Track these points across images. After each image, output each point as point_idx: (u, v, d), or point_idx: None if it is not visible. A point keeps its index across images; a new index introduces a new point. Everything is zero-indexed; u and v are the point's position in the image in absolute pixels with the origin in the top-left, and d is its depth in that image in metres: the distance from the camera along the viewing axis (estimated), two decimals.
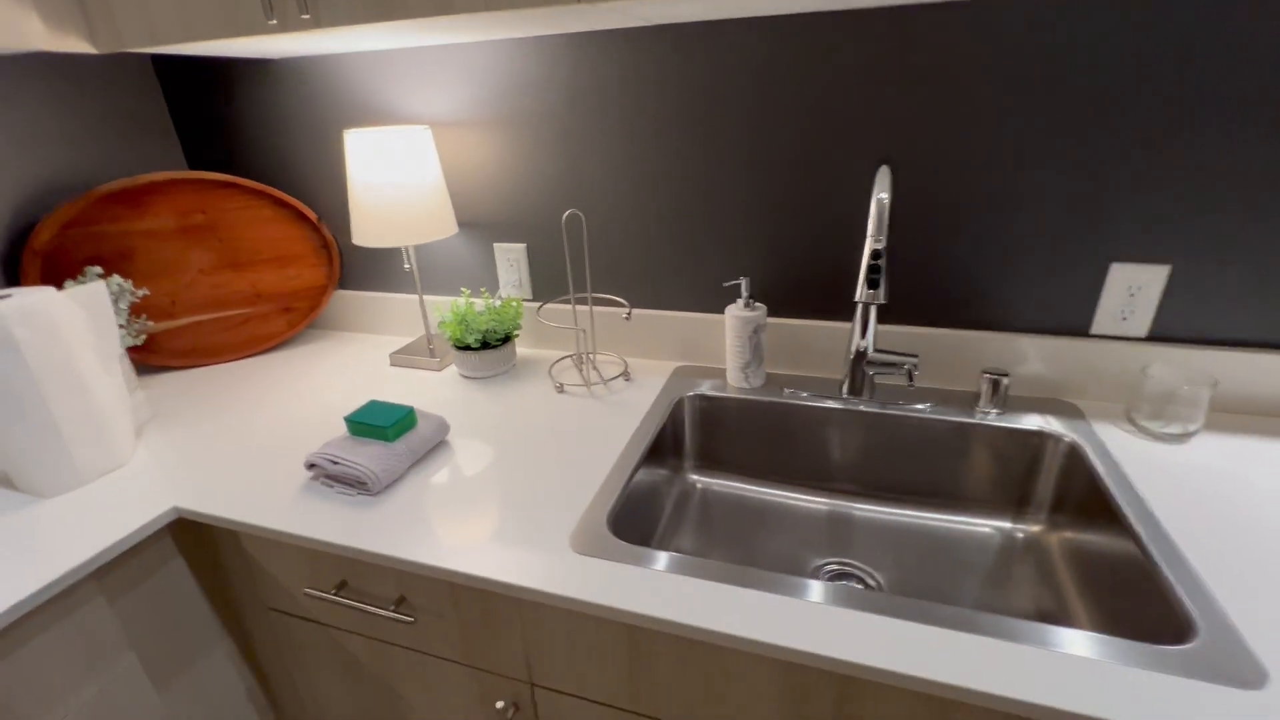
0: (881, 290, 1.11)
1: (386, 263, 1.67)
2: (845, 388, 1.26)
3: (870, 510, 1.27)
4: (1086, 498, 1.04)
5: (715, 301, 1.41)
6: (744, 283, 1.26)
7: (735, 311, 1.28)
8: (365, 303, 1.73)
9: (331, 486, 1.05)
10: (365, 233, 1.37)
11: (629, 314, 1.31)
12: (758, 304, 1.29)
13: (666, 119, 1.28)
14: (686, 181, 1.32)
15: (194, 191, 1.54)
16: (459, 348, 1.42)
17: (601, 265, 1.46)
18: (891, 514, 1.25)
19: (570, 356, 1.52)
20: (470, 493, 1.04)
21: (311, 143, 1.58)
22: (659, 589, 0.82)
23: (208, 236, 1.57)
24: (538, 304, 1.55)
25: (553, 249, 1.49)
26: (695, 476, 1.37)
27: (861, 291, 1.13)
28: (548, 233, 1.48)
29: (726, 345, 1.32)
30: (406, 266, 1.47)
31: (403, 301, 1.68)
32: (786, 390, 1.31)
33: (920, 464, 1.23)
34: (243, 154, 1.66)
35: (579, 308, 1.48)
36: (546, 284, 1.54)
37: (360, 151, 1.31)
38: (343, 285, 1.75)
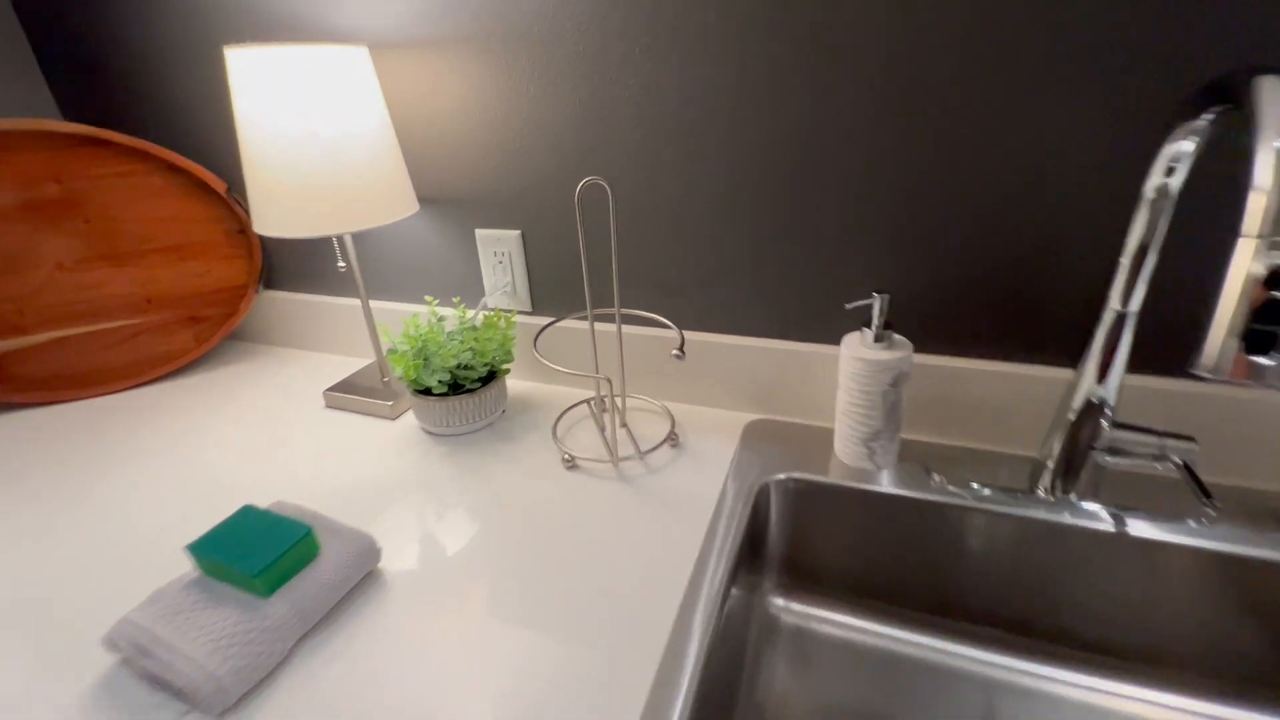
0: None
1: (329, 253, 1.18)
2: (1049, 479, 0.75)
3: (1078, 685, 0.76)
4: None
5: (814, 326, 0.90)
6: (878, 304, 0.75)
7: (861, 350, 0.77)
8: (301, 309, 1.25)
9: (147, 684, 0.58)
10: (267, 214, 0.87)
11: (681, 348, 0.80)
12: (898, 337, 0.78)
13: (750, 28, 0.76)
14: (778, 134, 0.80)
15: (41, 150, 1.06)
16: (418, 392, 0.93)
17: (636, 264, 0.96)
18: (1119, 695, 0.75)
19: (588, 401, 1.03)
20: (415, 698, 0.56)
21: (213, 79, 1.08)
22: None
23: (69, 216, 1.09)
24: (539, 320, 1.05)
25: (561, 238, 0.99)
26: (782, 602, 0.88)
27: (1121, 302, 0.62)
28: (554, 213, 0.97)
29: (839, 402, 0.82)
30: (341, 266, 0.99)
31: (352, 309, 1.20)
32: (937, 479, 0.80)
33: (1191, 624, 0.73)
34: (121, 98, 1.17)
35: (600, 327, 0.98)
36: (552, 290, 1.04)
37: (252, 83, 0.81)
38: (270, 284, 1.27)
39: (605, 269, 0.97)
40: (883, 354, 0.76)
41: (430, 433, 0.97)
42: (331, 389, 1.07)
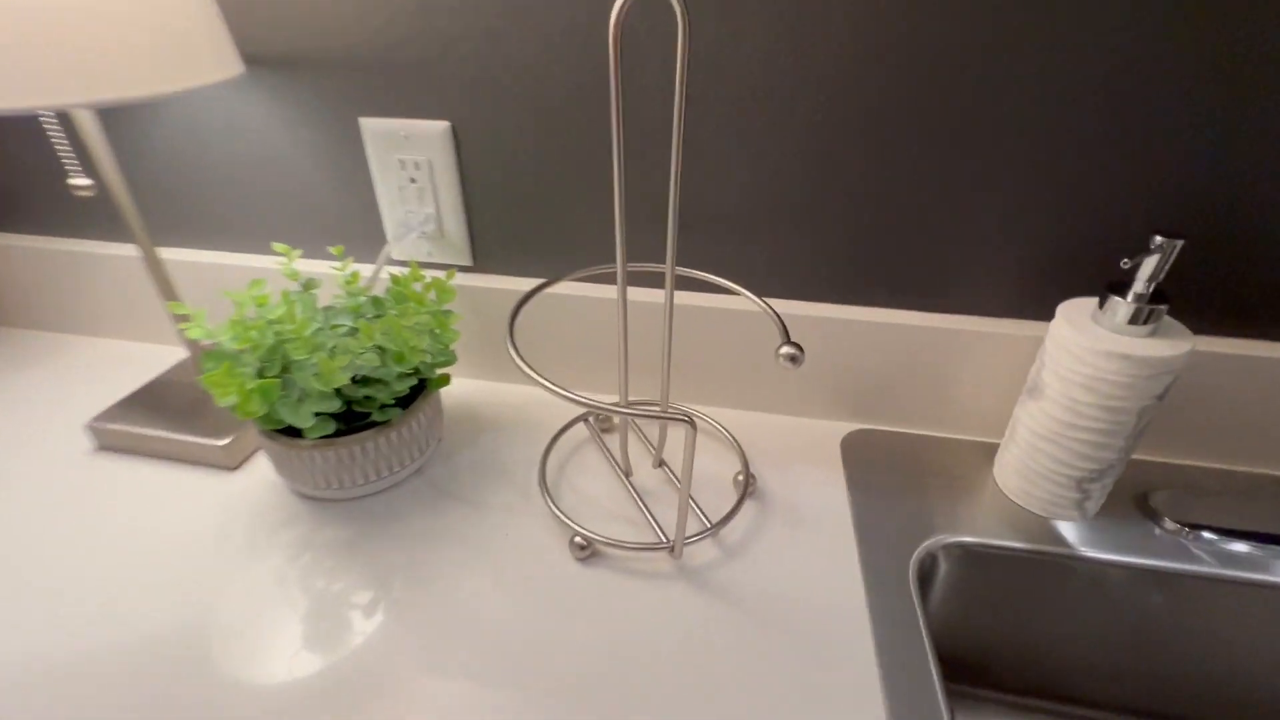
0: None
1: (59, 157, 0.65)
2: None
3: None
4: None
5: (941, 286, 0.56)
6: (1155, 259, 0.42)
7: (1112, 339, 0.44)
8: (33, 263, 0.72)
9: None
10: None
11: (791, 346, 0.43)
12: (1170, 319, 0.45)
13: None
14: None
15: None
16: (267, 432, 0.49)
17: (657, 187, 0.55)
18: None
19: (585, 418, 0.63)
20: None
21: None
22: None
23: None
24: (490, 282, 0.63)
25: (533, 131, 0.56)
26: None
27: None
28: (518, 86, 0.53)
29: (1028, 415, 0.49)
30: (81, 184, 0.50)
31: (127, 264, 0.69)
32: (1171, 525, 0.51)
33: None
34: None
35: (640, 295, 0.58)
36: (514, 229, 0.61)
37: None
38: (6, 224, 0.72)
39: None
40: (1157, 347, 0.43)
41: (306, 495, 0.54)
42: (103, 416, 0.58)
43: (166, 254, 0.68)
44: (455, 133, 0.56)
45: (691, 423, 0.38)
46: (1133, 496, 0.54)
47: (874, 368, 0.59)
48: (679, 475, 0.54)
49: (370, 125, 0.57)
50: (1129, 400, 0.44)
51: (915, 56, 0.46)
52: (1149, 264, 0.42)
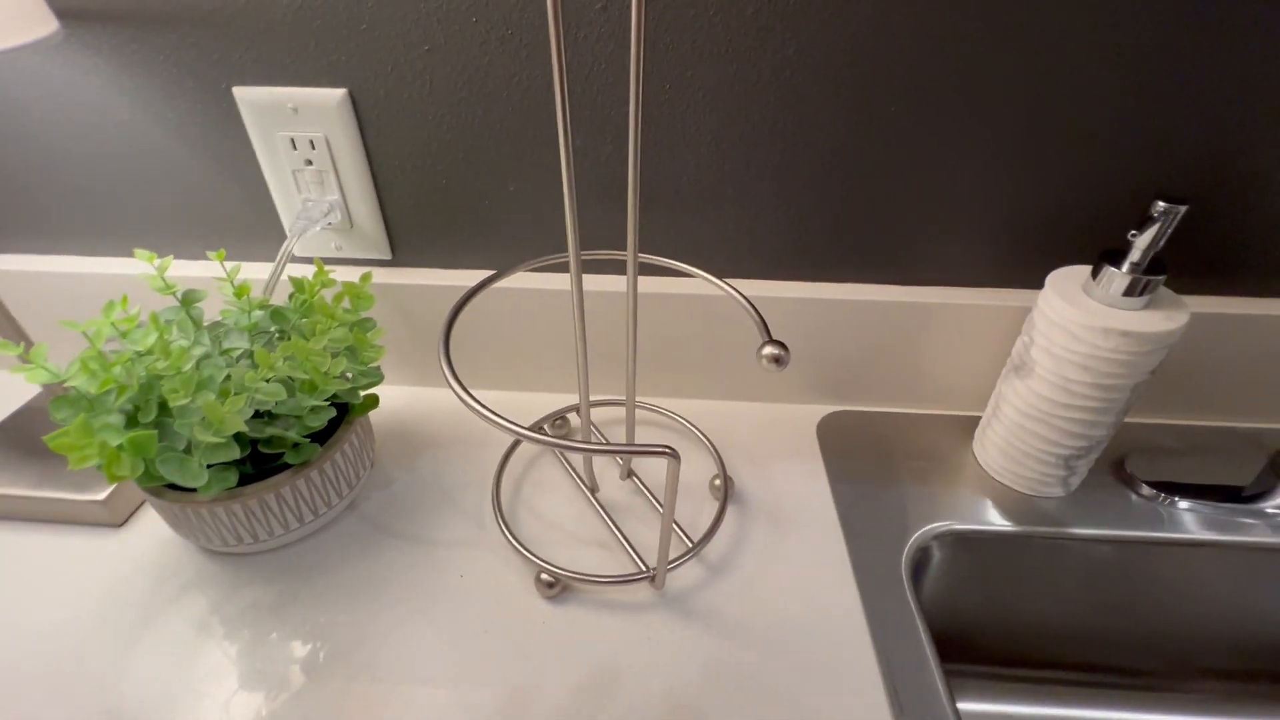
0: None
1: None
2: None
3: None
4: None
5: (908, 257, 0.52)
6: (1155, 228, 0.38)
7: (1110, 313, 0.41)
8: None
9: None
10: None
11: (774, 345, 0.38)
12: (1166, 289, 0.43)
13: None
14: None
15: None
16: (154, 488, 0.40)
17: (599, 155, 0.48)
18: None
19: (543, 429, 0.56)
20: None
21: None
22: None
23: None
24: (410, 277, 0.54)
25: (456, 95, 0.47)
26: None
27: None
28: (436, 40, 0.44)
29: (1013, 392, 0.46)
30: None
31: None
32: (1147, 492, 0.50)
33: None
34: None
35: (595, 284, 0.51)
36: (438, 218, 0.52)
37: None
38: None
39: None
40: (1155, 320, 0.40)
41: (211, 550, 0.45)
42: None
43: (22, 261, 0.55)
44: (355, 102, 0.46)
45: (675, 455, 0.32)
46: (1108, 463, 0.53)
47: (848, 346, 0.55)
48: (651, 489, 0.49)
49: (248, 95, 0.46)
50: (1125, 377, 0.42)
51: (891, 8, 0.40)
52: (1149, 232, 0.39)
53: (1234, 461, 0.53)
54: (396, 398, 0.59)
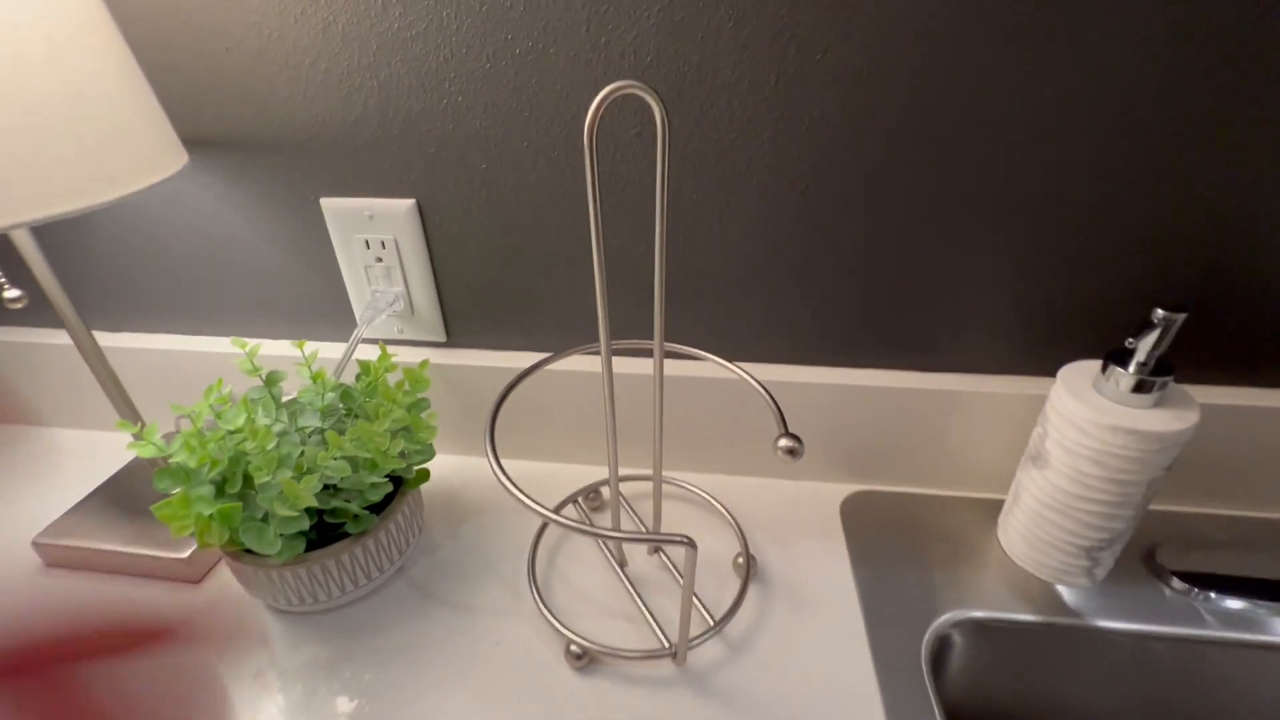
0: None
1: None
2: None
3: None
4: None
5: (931, 344, 0.54)
6: (1155, 333, 0.40)
7: (1120, 412, 0.42)
8: (7, 353, 0.67)
9: None
10: None
11: (790, 438, 0.41)
12: (1176, 385, 0.44)
13: None
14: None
15: None
16: (233, 551, 0.45)
17: (628, 250, 0.53)
18: None
19: (576, 501, 0.60)
20: None
21: None
22: None
23: None
24: (461, 358, 0.60)
25: (503, 206, 0.53)
26: None
27: None
28: (487, 161, 0.51)
29: (1033, 483, 0.47)
30: (13, 295, 0.46)
31: (60, 352, 0.64)
32: (1178, 586, 0.50)
33: None
34: None
35: (626, 367, 0.55)
36: (483, 299, 0.58)
37: None
38: None
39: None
40: (1163, 419, 0.42)
41: (276, 609, 0.50)
42: (50, 530, 0.54)
43: (113, 339, 0.63)
44: (421, 210, 0.53)
45: (692, 544, 0.35)
46: (1139, 553, 0.53)
47: (871, 429, 0.57)
48: (676, 565, 0.52)
49: (332, 205, 0.54)
50: (1138, 473, 0.43)
51: (907, 118, 0.45)
52: (1149, 337, 0.41)
53: (1273, 555, 0.52)
54: (445, 465, 0.64)
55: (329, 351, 0.58)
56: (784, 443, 0.40)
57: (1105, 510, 0.45)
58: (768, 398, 0.43)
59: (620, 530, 0.54)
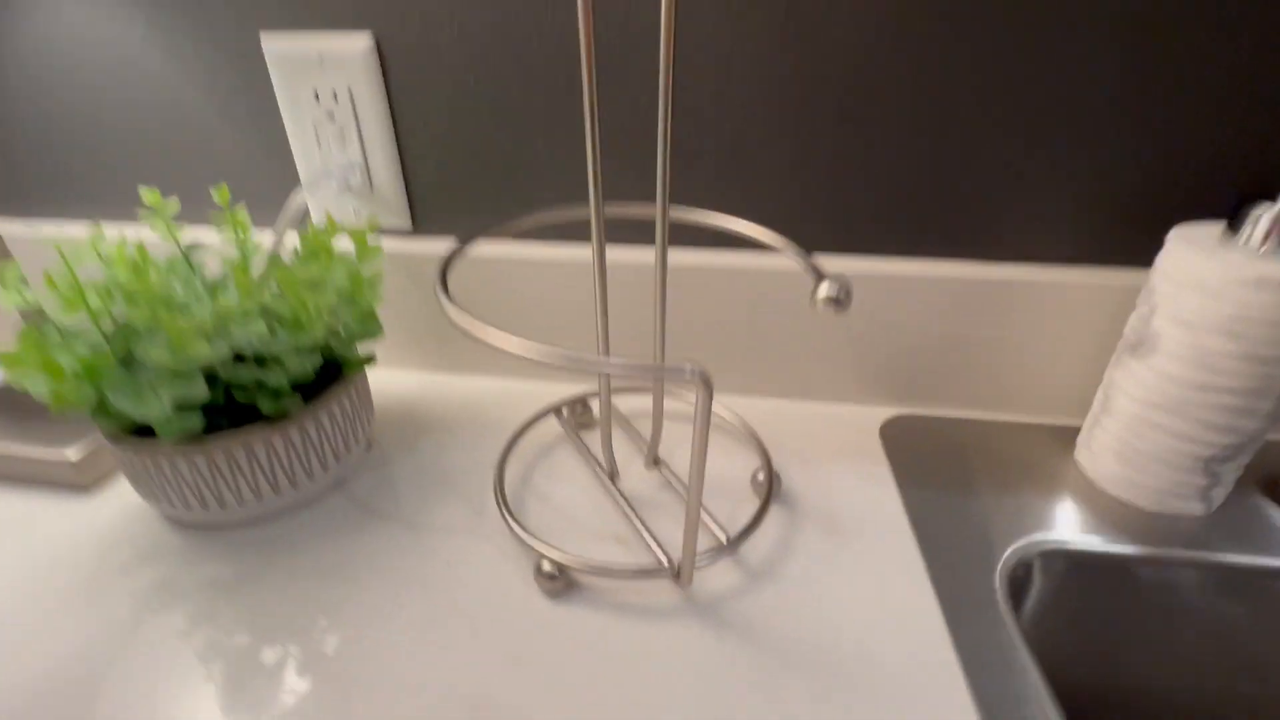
0: None
1: None
2: None
3: None
4: None
5: (991, 231, 0.45)
6: None
7: (1272, 267, 0.32)
8: None
9: None
10: None
11: (830, 285, 0.31)
12: None
13: None
14: None
15: None
16: (114, 434, 0.35)
17: (641, 113, 0.44)
18: None
19: (561, 409, 0.50)
20: None
21: None
22: None
23: None
24: (429, 247, 0.50)
25: (489, 52, 0.44)
26: None
27: None
28: None
29: (1129, 379, 0.37)
30: None
31: None
32: None
33: None
34: None
35: (622, 255, 0.46)
36: (463, 186, 0.49)
37: None
38: None
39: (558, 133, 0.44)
40: None
41: (180, 523, 0.40)
42: None
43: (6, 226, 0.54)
44: (381, 51, 0.44)
45: (705, 381, 0.25)
46: (1257, 479, 0.42)
47: (917, 335, 0.47)
48: (680, 475, 0.42)
49: (275, 46, 0.45)
50: (1273, 345, 0.33)
51: None
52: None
53: None
54: (406, 382, 0.54)
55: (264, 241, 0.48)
56: (825, 289, 0.30)
57: (1238, 403, 0.35)
58: (795, 249, 0.34)
59: (610, 359, 0.44)
